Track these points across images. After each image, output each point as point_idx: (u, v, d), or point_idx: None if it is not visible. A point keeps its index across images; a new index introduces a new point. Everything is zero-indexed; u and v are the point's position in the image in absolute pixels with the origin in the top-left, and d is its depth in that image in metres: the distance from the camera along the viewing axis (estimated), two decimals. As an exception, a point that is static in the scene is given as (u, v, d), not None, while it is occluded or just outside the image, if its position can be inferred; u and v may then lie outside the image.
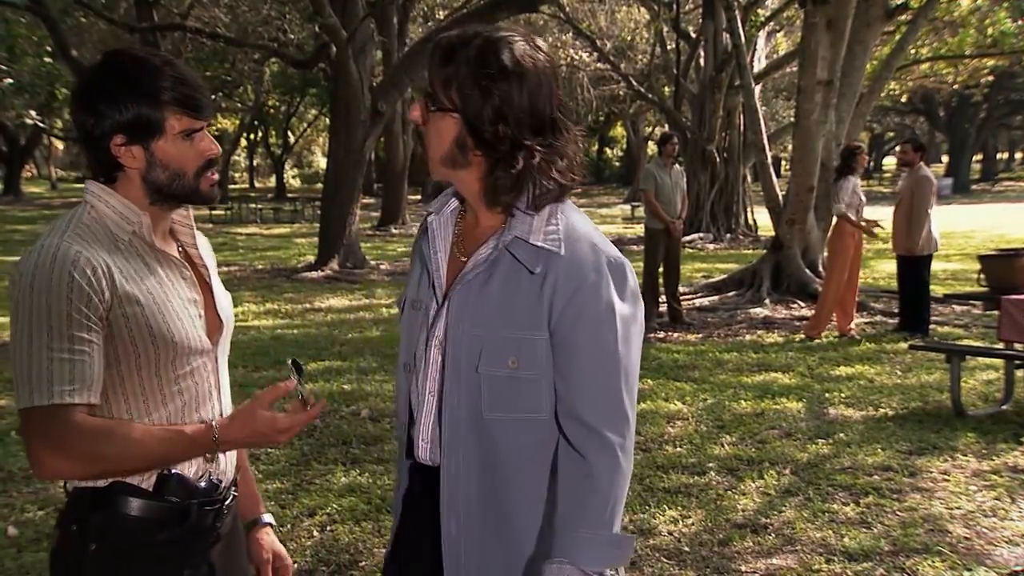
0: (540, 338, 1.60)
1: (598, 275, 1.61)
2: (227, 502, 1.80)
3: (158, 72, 1.65)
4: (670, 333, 9.29)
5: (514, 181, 1.60)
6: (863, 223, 8.82)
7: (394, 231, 22.77)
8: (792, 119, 14.97)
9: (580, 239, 1.64)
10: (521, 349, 1.60)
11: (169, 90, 1.65)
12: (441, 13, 17.12)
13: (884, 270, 13.52)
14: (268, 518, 2.02)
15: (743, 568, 3.86)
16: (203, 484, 1.73)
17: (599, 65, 26.13)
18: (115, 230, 1.67)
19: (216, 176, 1.76)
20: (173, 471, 1.68)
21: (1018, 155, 63.47)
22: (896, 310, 9.54)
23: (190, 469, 1.71)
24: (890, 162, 56.67)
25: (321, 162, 49.33)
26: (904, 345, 8.12)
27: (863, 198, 8.83)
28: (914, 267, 8.82)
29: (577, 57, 26.86)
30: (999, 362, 6.78)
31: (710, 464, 5.16)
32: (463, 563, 1.67)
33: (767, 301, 10.86)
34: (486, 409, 1.62)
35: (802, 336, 8.97)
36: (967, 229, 20.97)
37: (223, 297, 1.86)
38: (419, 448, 1.73)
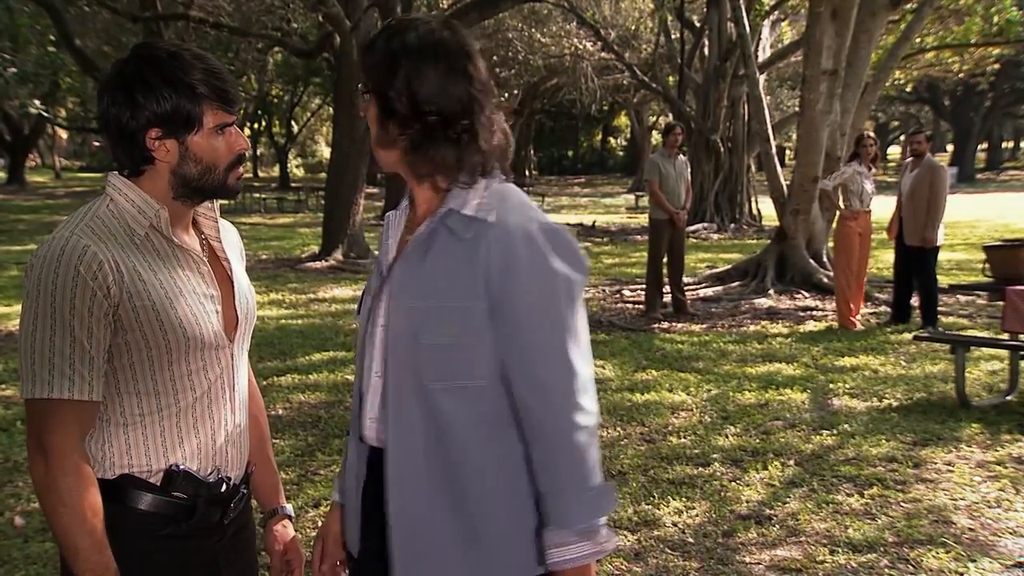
0: (477, 306, 1.61)
1: (531, 240, 1.61)
2: (235, 499, 1.80)
3: (192, 65, 1.64)
4: (674, 323, 9.27)
5: (429, 153, 1.65)
6: (847, 209, 8.83)
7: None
8: (797, 109, 14.94)
9: (511, 209, 1.66)
10: (459, 318, 1.62)
11: (204, 83, 1.65)
12: (445, 2, 17.04)
13: (888, 260, 13.47)
14: (287, 509, 2.00)
15: (747, 560, 3.86)
16: (211, 481, 1.73)
17: (603, 54, 26.05)
18: (132, 224, 1.66)
19: (242, 171, 1.76)
20: (181, 467, 1.68)
21: (1023, 144, 63.25)
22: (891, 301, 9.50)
23: (198, 465, 1.72)
24: (894, 152, 56.50)
25: (325, 152, 49.27)
26: (908, 336, 8.12)
27: (864, 187, 8.75)
28: (928, 258, 8.69)
29: (581, 46, 26.78)
30: (1004, 352, 6.77)
31: (714, 455, 5.17)
32: (413, 543, 1.66)
33: (771, 291, 10.85)
34: (428, 379, 1.63)
35: (805, 328, 8.96)
36: (972, 219, 20.92)
37: (246, 291, 1.85)
38: (366, 428, 1.74)
